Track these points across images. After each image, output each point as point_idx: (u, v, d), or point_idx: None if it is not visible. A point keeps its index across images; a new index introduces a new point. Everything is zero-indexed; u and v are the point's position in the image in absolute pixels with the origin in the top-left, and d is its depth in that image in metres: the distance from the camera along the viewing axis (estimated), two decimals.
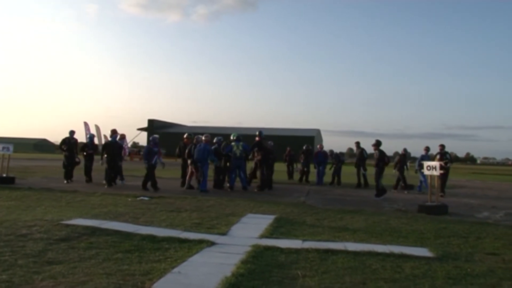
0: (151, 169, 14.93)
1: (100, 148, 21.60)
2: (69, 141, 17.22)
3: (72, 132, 17.48)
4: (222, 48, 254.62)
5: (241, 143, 16.03)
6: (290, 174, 23.61)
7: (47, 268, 5.12)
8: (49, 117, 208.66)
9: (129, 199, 11.91)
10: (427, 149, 17.91)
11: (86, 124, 53.92)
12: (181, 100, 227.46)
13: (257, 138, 16.47)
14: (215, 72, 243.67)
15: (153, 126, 76.77)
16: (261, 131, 16.75)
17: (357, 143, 19.95)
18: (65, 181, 16.65)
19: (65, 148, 17.03)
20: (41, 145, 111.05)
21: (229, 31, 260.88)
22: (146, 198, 12.14)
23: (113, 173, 16.24)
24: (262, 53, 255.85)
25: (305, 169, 21.74)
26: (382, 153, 15.12)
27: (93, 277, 4.82)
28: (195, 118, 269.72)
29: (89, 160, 17.42)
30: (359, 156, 19.64)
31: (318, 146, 22.00)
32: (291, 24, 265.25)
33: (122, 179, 17.13)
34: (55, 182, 16.41)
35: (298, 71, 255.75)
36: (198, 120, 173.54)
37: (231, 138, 16.28)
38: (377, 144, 15.27)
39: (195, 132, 18.77)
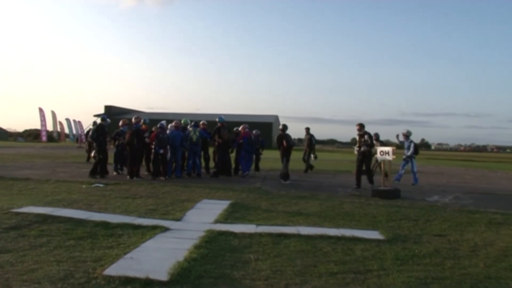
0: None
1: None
2: (103, 129, 14.46)
3: (104, 119, 14.91)
4: (178, 33, 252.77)
5: (198, 128, 15.91)
6: None
7: None
8: (1, 103, 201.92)
9: (84, 186, 11.71)
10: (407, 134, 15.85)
11: (41, 110, 52.31)
12: (137, 86, 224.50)
13: (219, 124, 16.21)
14: (172, 57, 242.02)
15: (111, 113, 75.34)
16: (221, 117, 16.49)
17: (307, 129, 20.16)
18: (97, 176, 14.12)
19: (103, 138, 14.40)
20: None
21: (184, 16, 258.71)
22: (101, 185, 11.96)
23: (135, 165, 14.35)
24: (220, 39, 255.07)
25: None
26: (282, 137, 15.01)
27: (43, 265, 4.75)
28: (152, 105, 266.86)
29: (121, 149, 15.31)
30: (308, 142, 19.92)
31: (240, 128, 17.10)
32: (249, 9, 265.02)
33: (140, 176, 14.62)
34: (6, 170, 15.90)
35: (257, 57, 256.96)
36: (155, 106, 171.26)
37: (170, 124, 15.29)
38: (283, 128, 15.16)
39: (152, 118, 18.37)
